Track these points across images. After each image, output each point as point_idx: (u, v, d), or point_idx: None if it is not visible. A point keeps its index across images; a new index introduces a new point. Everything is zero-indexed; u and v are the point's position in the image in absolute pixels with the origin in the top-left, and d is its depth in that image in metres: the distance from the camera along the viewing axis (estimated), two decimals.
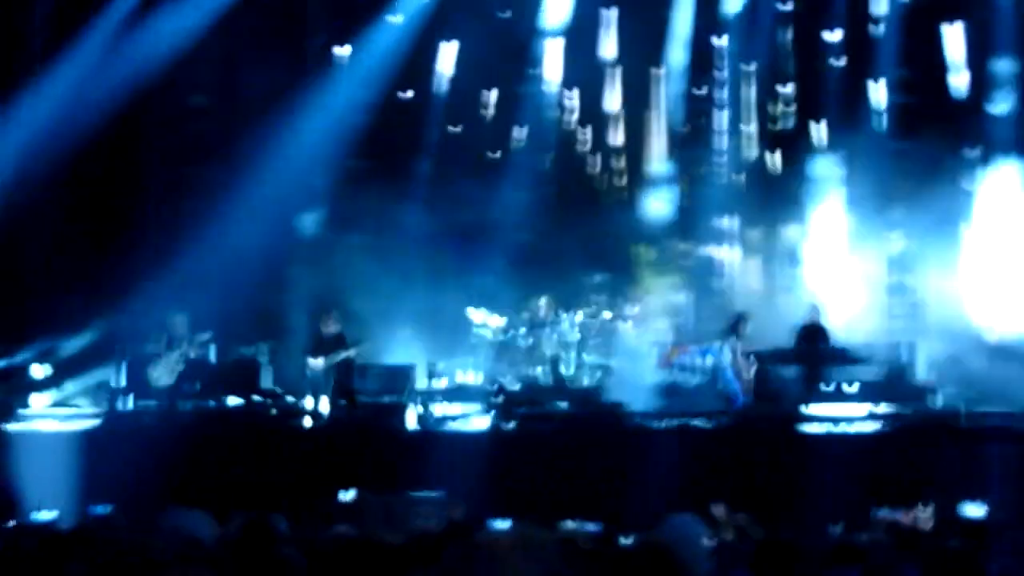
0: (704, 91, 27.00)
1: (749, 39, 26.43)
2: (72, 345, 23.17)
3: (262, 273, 24.52)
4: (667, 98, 26.87)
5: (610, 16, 26.85)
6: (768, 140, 26.95)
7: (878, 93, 25.84)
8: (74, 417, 21.19)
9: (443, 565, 3.22)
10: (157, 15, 23.95)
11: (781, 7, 26.31)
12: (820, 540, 10.48)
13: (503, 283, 24.64)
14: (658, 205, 26.44)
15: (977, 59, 25.19)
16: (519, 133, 27.13)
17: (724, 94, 26.86)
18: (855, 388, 20.55)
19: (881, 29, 25.74)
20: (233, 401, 21.40)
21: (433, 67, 26.91)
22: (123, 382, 21.85)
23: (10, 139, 23.03)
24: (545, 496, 16.76)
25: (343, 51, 26.06)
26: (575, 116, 27.41)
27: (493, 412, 19.80)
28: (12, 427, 20.39)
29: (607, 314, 24.21)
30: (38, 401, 22.08)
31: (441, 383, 23.00)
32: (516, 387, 21.09)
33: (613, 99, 27.34)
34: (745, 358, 21.39)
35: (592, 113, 27.38)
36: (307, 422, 20.09)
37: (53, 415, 21.45)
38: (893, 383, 21.70)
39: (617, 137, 27.58)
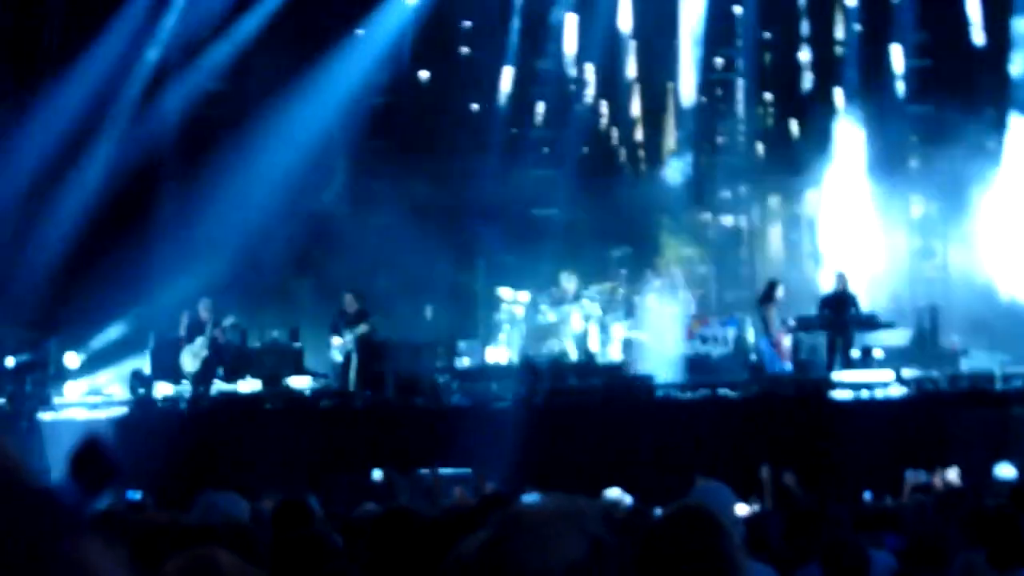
0: (722, 60, 26.97)
1: (766, 6, 26.38)
2: (103, 334, 23.28)
3: (284, 255, 24.61)
4: (685, 68, 26.81)
5: None
6: (787, 107, 26.89)
7: (896, 57, 25.76)
8: (105, 405, 21.29)
9: (483, 536, 3.20)
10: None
11: None
12: (852, 506, 10.49)
13: (527, 260, 24.65)
14: (678, 176, 26.42)
15: (995, 20, 25.09)
16: (538, 109, 27.12)
17: (742, 63, 26.81)
18: (883, 354, 20.51)
19: None
20: (260, 384, 21.42)
21: (452, 46, 26.91)
22: (151, 369, 21.93)
23: (34, 132, 23.18)
24: (576, 471, 16.77)
25: (360, 31, 26.02)
26: (592, 90, 27.37)
27: (522, 388, 19.81)
28: (46, 416, 20.50)
29: (631, 288, 24.19)
30: (72, 390, 22.18)
31: (468, 361, 23.04)
32: (544, 363, 21.06)
33: (630, 71, 27.29)
34: (782, 324, 21.38)
35: (610, 87, 27.34)
36: (333, 401, 20.12)
37: (85, 403, 21.55)
38: (921, 347, 21.67)
39: (635, 110, 27.54)
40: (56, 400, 21.35)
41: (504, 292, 23.85)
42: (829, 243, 24.98)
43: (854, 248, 24.11)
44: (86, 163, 23.86)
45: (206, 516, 6.74)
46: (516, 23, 26.79)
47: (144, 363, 22.14)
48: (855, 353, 20.47)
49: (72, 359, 22.80)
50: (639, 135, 27.67)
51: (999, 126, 24.44)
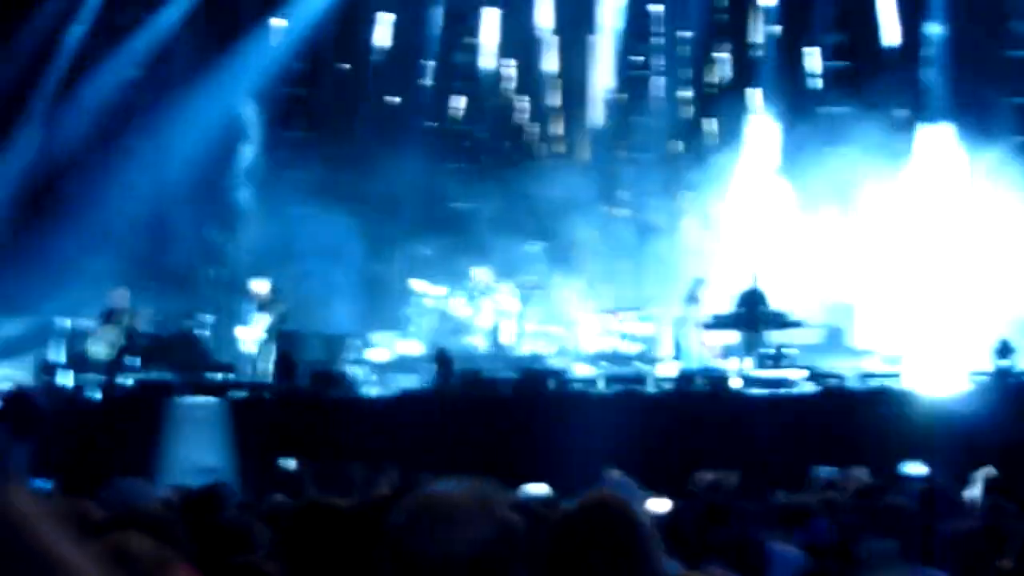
0: (640, 57, 27.11)
1: (684, 5, 26.55)
2: (10, 323, 22.98)
3: (196, 244, 24.46)
4: (603, 65, 26.92)
5: None
6: (703, 105, 27.08)
7: (813, 58, 26.02)
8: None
9: (391, 521, 3.21)
10: None
11: None
12: (761, 502, 10.56)
13: (443, 252, 24.66)
14: (597, 171, 26.51)
15: (909, 23, 25.40)
16: (456, 102, 27.13)
17: (659, 60, 26.96)
18: (794, 351, 20.67)
19: None
20: (172, 374, 21.26)
21: (370, 37, 26.86)
22: (62, 357, 21.68)
23: None
24: (487, 463, 16.77)
25: (278, 22, 25.89)
26: (513, 85, 27.42)
27: (434, 380, 19.80)
28: None
29: (547, 282, 24.28)
30: None
31: (380, 353, 23.02)
32: (457, 356, 21.06)
33: (550, 66, 27.36)
34: (703, 326, 21.50)
35: (529, 82, 27.40)
36: (245, 392, 19.99)
37: None
38: (832, 346, 21.91)
39: (555, 105, 27.62)
40: None
41: (418, 284, 23.85)
42: (742, 241, 25.12)
43: (766, 246, 24.27)
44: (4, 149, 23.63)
45: (115, 503, 6.69)
46: (437, 16, 26.77)
47: (53, 351, 21.89)
48: (767, 351, 20.61)
49: None
50: (557, 130, 27.74)
51: (912, 125, 24.77)
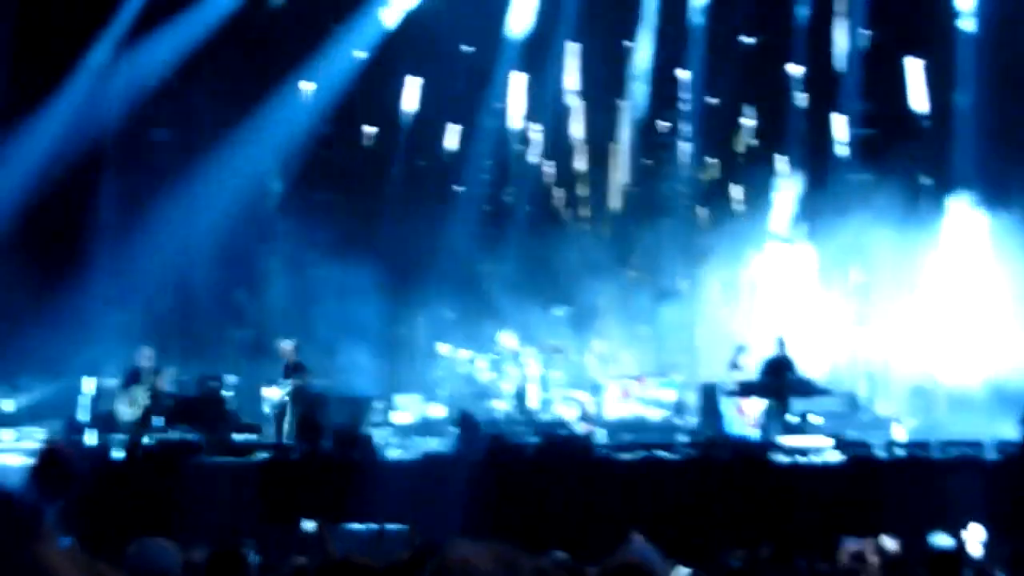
0: (667, 124, 27.17)
1: (712, 72, 26.62)
2: (41, 385, 23.00)
3: (221, 305, 24.51)
4: (630, 130, 26.98)
5: (573, 50, 26.96)
6: (729, 172, 27.09)
7: (840, 126, 26.03)
8: (37, 451, 20.95)
9: None
10: (128, 51, 24.11)
11: (745, 40, 26.49)
12: (787, 570, 10.50)
13: (468, 316, 24.67)
14: (622, 236, 26.53)
15: (938, 94, 25.42)
16: (483, 166, 27.20)
17: (688, 127, 27.00)
18: (820, 419, 20.58)
19: (844, 64, 25.98)
20: (196, 434, 21.22)
21: (397, 102, 26.97)
22: (87, 416, 21.69)
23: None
24: (512, 528, 16.69)
25: (307, 85, 26.02)
26: (539, 150, 27.48)
27: (459, 445, 19.73)
28: None
29: (571, 347, 24.27)
30: (3, 436, 21.88)
31: (404, 416, 22.98)
32: (482, 420, 21.00)
33: (577, 132, 27.43)
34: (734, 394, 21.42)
35: (556, 146, 27.46)
36: (269, 453, 19.94)
37: (17, 449, 21.25)
38: (856, 414, 21.82)
39: (581, 169, 27.66)
40: None
41: (443, 348, 23.85)
42: (769, 307, 25.09)
43: (793, 313, 24.23)
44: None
45: (137, 565, 6.67)
46: (463, 80, 26.88)
47: (79, 411, 21.90)
48: (792, 418, 20.52)
49: (5, 405, 22.52)
50: (582, 194, 27.76)
51: (940, 194, 24.71)
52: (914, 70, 25.72)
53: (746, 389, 21.21)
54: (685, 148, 27.07)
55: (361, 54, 26.04)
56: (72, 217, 24.38)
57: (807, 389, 20.76)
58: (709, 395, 22.26)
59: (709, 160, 27.26)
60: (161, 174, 24.70)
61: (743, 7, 26.48)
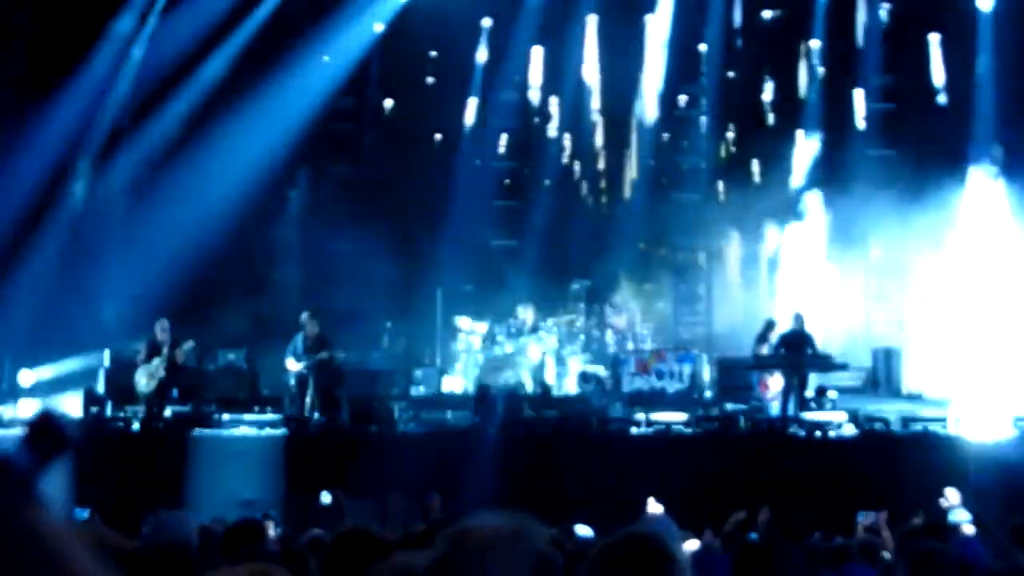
0: (686, 97, 27.11)
1: (731, 46, 26.56)
2: (59, 353, 23.05)
3: (243, 277, 24.55)
4: (649, 105, 26.91)
5: (592, 23, 26.90)
6: (749, 146, 27.02)
7: (859, 101, 25.96)
8: None
9: (430, 554, 3.20)
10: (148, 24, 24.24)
11: (765, 16, 26.43)
12: (803, 544, 10.50)
13: (486, 290, 24.67)
14: (640, 210, 26.50)
15: (957, 68, 25.34)
16: (501, 140, 27.17)
17: (705, 100, 26.94)
18: (836, 395, 20.59)
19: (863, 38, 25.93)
20: (213, 407, 21.27)
21: (415, 75, 26.94)
22: (104, 388, 21.76)
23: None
24: (528, 501, 16.72)
25: (325, 56, 25.98)
26: (556, 123, 27.43)
27: (477, 418, 19.77)
28: None
29: (589, 321, 24.28)
30: (25, 408, 21.97)
31: (422, 389, 23.00)
32: (500, 394, 21.02)
33: (595, 105, 27.37)
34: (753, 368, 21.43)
35: (574, 120, 27.39)
36: (287, 426, 20.00)
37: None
38: (876, 389, 21.81)
39: (598, 143, 27.62)
40: (7, 416, 21.11)
41: (462, 321, 23.85)
42: (787, 282, 25.06)
43: (811, 288, 24.19)
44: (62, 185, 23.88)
45: (155, 536, 6.70)
46: (482, 54, 26.84)
47: (98, 382, 21.98)
48: (809, 393, 20.51)
49: (26, 377, 22.60)
50: (601, 169, 27.73)
51: (959, 174, 24.59)
52: (933, 45, 25.64)
53: (764, 363, 21.20)
54: (704, 122, 27.01)
55: (379, 26, 25.99)
56: (90, 190, 24.43)
57: (825, 364, 20.75)
58: (726, 369, 22.27)
59: (728, 134, 27.19)
60: (178, 145, 24.69)
61: None
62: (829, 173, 25.66)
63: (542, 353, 23.07)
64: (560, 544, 6.88)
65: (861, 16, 26.07)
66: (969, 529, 12.39)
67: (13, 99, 23.62)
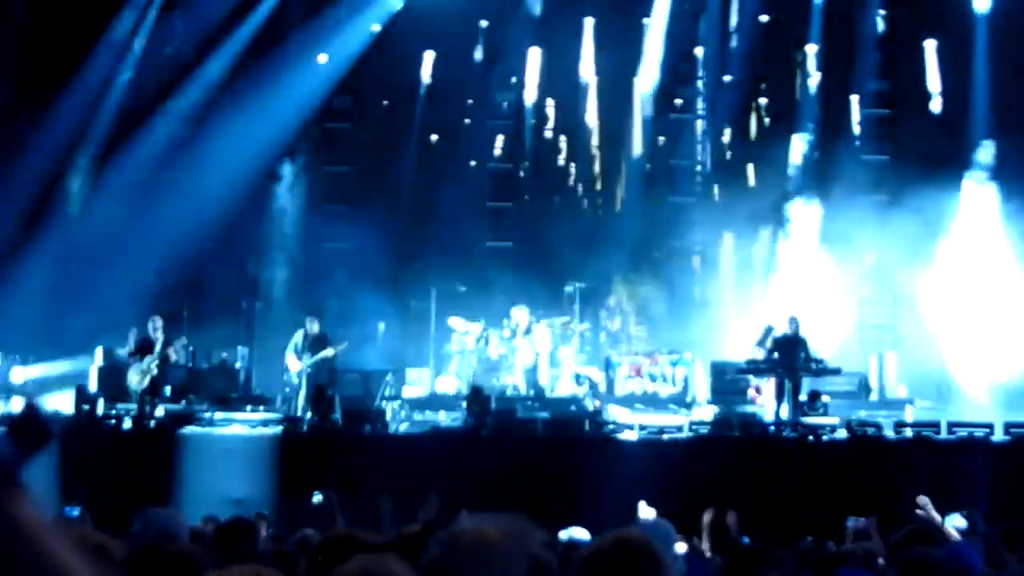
0: (681, 101, 27.12)
1: (727, 50, 26.56)
2: (49, 351, 23.04)
3: (233, 277, 24.52)
4: (645, 107, 26.93)
5: (589, 26, 26.89)
6: (744, 150, 27.03)
7: (855, 106, 25.98)
8: None
9: (425, 556, 3.18)
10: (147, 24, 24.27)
11: (760, 19, 26.42)
12: (793, 549, 10.48)
13: (480, 291, 24.66)
14: (635, 213, 26.51)
15: (952, 75, 25.36)
16: (496, 141, 27.16)
17: (701, 104, 26.95)
18: (829, 399, 20.57)
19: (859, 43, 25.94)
20: (206, 405, 21.25)
21: (411, 76, 26.92)
22: (96, 386, 21.72)
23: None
24: (520, 503, 16.70)
25: (321, 56, 25.97)
26: (551, 125, 27.44)
27: (470, 419, 19.74)
28: None
29: (582, 324, 24.26)
30: (16, 405, 21.94)
31: (415, 390, 22.99)
32: (493, 395, 21.01)
33: (591, 107, 27.37)
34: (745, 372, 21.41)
35: (570, 122, 27.40)
36: (279, 425, 19.97)
37: None
38: (867, 394, 21.81)
39: (594, 145, 27.61)
40: None
41: (455, 322, 23.83)
42: (780, 285, 25.06)
43: (804, 292, 24.18)
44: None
45: (143, 534, 6.67)
46: (478, 54, 26.84)
47: (90, 380, 21.93)
48: (802, 397, 20.50)
49: (18, 374, 22.57)
50: (597, 170, 27.73)
51: (954, 180, 24.60)
52: (929, 50, 25.66)
53: (758, 368, 21.17)
54: (699, 125, 27.01)
55: (376, 27, 25.99)
56: (86, 189, 24.42)
57: (818, 369, 20.73)
58: (720, 373, 22.25)
59: (723, 137, 27.20)
60: (174, 143, 24.68)
61: None
62: (823, 177, 25.65)
63: (535, 354, 23.05)
64: (553, 546, 6.86)
65: (857, 21, 26.06)
66: (959, 529, 12.39)
67: (12, 99, 23.62)
